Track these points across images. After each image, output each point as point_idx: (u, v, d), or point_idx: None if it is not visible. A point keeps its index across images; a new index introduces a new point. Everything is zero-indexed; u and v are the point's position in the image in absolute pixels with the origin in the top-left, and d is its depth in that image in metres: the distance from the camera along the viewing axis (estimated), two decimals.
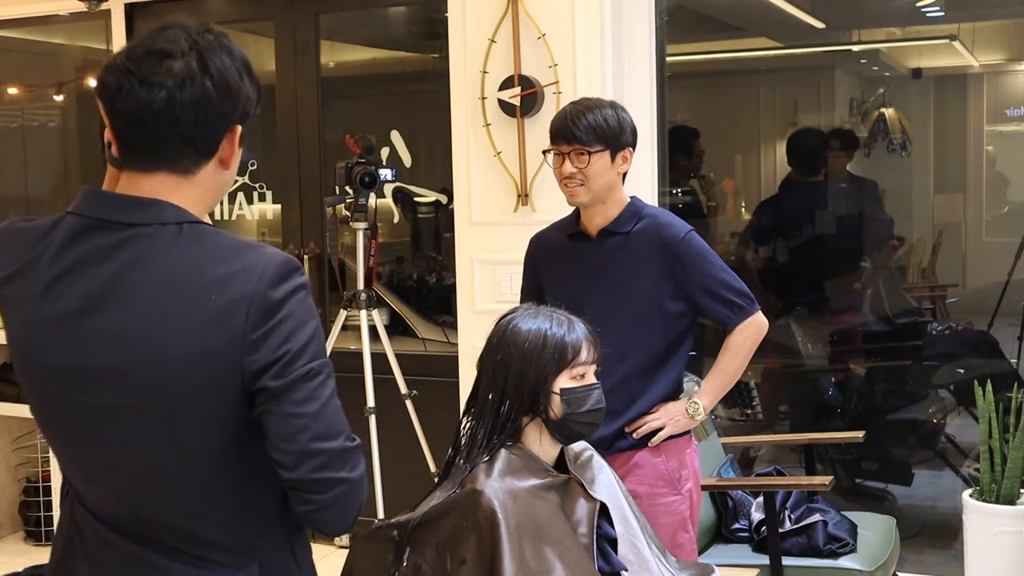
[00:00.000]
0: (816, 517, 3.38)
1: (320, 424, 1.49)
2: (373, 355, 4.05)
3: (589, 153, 2.75)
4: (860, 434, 3.76)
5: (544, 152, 2.90)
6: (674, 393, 2.86)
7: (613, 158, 2.78)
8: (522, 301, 3.03)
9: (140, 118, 1.49)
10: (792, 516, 3.44)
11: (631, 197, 2.89)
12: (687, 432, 2.88)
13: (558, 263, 2.94)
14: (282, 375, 1.47)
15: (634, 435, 2.79)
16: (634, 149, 2.86)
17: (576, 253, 2.89)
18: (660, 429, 2.79)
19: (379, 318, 4.14)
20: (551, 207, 3.71)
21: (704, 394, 2.86)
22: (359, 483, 1.53)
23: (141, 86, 1.48)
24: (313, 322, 1.52)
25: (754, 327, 2.83)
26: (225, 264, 1.49)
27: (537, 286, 3.00)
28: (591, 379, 2.27)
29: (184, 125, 1.50)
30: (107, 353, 1.48)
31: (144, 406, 1.49)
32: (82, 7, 4.78)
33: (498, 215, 4.08)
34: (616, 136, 2.78)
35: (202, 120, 1.51)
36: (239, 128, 1.57)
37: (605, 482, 2.34)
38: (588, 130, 2.75)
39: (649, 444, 2.79)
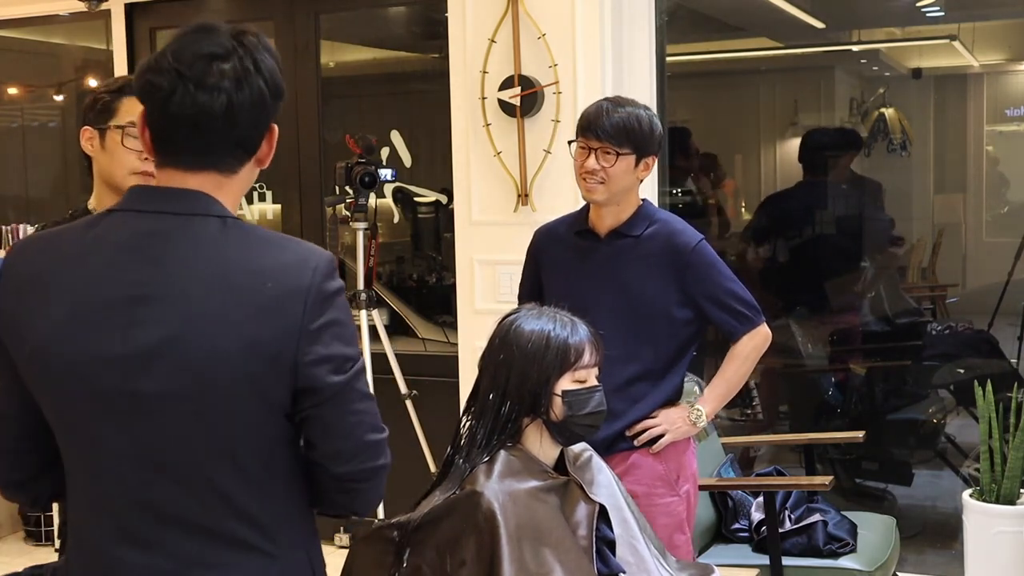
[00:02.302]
0: (816, 517, 3.38)
1: (372, 418, 1.57)
2: (373, 355, 4.05)
3: (617, 154, 2.70)
4: (860, 434, 3.76)
5: (569, 142, 2.85)
6: (675, 397, 2.85)
7: (637, 163, 2.74)
8: (520, 294, 3.03)
9: (196, 122, 1.50)
10: (792, 516, 3.44)
11: (643, 200, 2.86)
12: None
13: (563, 260, 2.90)
14: (341, 371, 1.51)
15: (636, 442, 2.78)
16: (657, 157, 2.82)
17: (584, 252, 2.85)
18: (662, 435, 2.79)
19: (379, 318, 4.14)
20: (551, 207, 3.71)
21: (707, 401, 2.85)
22: (389, 466, 1.62)
23: (197, 89, 1.48)
24: (352, 321, 1.58)
25: (760, 338, 2.82)
26: (276, 255, 1.52)
27: (537, 280, 2.97)
28: (593, 382, 2.27)
29: (243, 127, 1.52)
30: (155, 342, 1.47)
31: (190, 394, 1.48)
32: (82, 7, 4.78)
33: (498, 215, 4.08)
34: (646, 141, 2.73)
35: (255, 121, 1.54)
36: (275, 127, 1.60)
37: (604, 483, 2.34)
38: (620, 130, 2.70)
39: (651, 450, 2.79)
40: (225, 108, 1.49)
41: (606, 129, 2.70)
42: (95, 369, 1.50)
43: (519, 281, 3.06)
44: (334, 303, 1.52)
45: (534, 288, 2.98)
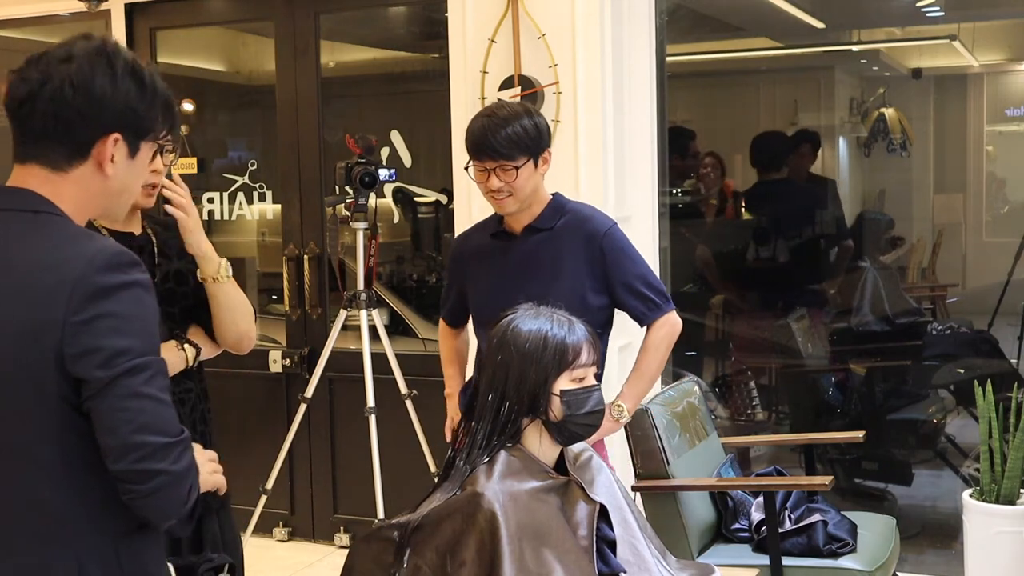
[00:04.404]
0: (816, 517, 3.38)
1: (147, 418, 1.54)
2: (373, 355, 4.05)
3: (516, 168, 2.76)
4: (860, 434, 3.76)
5: (465, 168, 2.88)
6: None
7: (536, 164, 2.81)
8: (442, 299, 3.15)
9: (9, 108, 1.61)
10: (792, 516, 3.44)
11: (553, 194, 2.93)
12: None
13: (481, 263, 2.98)
14: (109, 366, 1.52)
15: None
16: (550, 146, 2.87)
17: (500, 252, 2.93)
18: None
19: (379, 318, 4.14)
20: None
21: (627, 397, 2.91)
22: (182, 475, 1.57)
23: (17, 80, 1.62)
24: (144, 318, 1.58)
25: (669, 326, 2.88)
26: (61, 249, 1.57)
27: (460, 285, 3.05)
28: (591, 380, 2.27)
29: (43, 118, 1.59)
30: None
31: None
32: (82, 7, 4.78)
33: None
34: (537, 143, 2.79)
35: (62, 117, 1.59)
36: (116, 135, 1.62)
37: (604, 483, 2.34)
38: (511, 144, 2.74)
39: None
40: (25, 95, 1.60)
41: (497, 148, 2.75)
42: None
43: (445, 284, 3.15)
44: (112, 296, 1.54)
45: (453, 293, 3.09)
